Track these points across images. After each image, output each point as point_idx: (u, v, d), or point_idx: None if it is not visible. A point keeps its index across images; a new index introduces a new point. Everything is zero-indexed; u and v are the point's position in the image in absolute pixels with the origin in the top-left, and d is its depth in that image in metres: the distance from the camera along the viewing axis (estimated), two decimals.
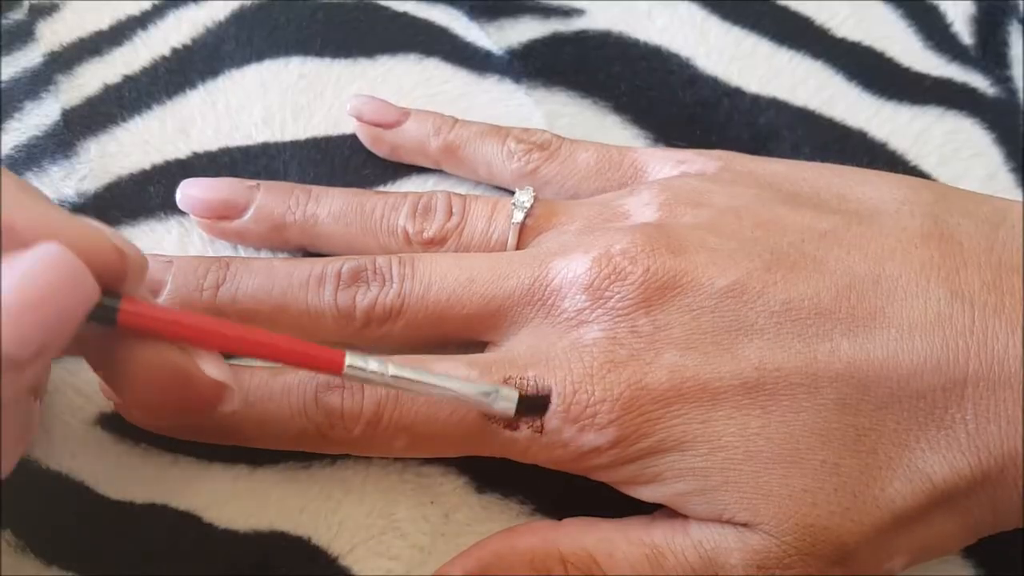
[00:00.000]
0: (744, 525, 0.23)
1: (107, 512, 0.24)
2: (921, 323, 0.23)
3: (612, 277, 0.24)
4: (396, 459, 0.25)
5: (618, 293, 0.24)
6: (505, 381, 0.23)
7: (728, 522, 0.23)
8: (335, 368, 0.21)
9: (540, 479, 0.25)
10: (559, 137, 0.29)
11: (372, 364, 0.22)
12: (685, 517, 0.24)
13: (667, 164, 0.28)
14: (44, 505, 0.24)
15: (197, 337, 0.21)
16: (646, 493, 0.24)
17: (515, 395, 0.23)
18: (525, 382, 0.23)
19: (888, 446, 0.23)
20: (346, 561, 0.24)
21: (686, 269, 0.24)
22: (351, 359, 0.22)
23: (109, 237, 0.19)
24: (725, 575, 0.23)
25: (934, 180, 0.31)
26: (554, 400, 0.23)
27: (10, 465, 0.20)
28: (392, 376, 0.22)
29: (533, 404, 0.23)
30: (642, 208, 0.26)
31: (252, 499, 0.25)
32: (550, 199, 0.28)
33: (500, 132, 0.29)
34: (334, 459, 0.25)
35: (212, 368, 0.21)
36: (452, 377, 0.23)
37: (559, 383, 0.23)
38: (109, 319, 0.19)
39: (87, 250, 0.18)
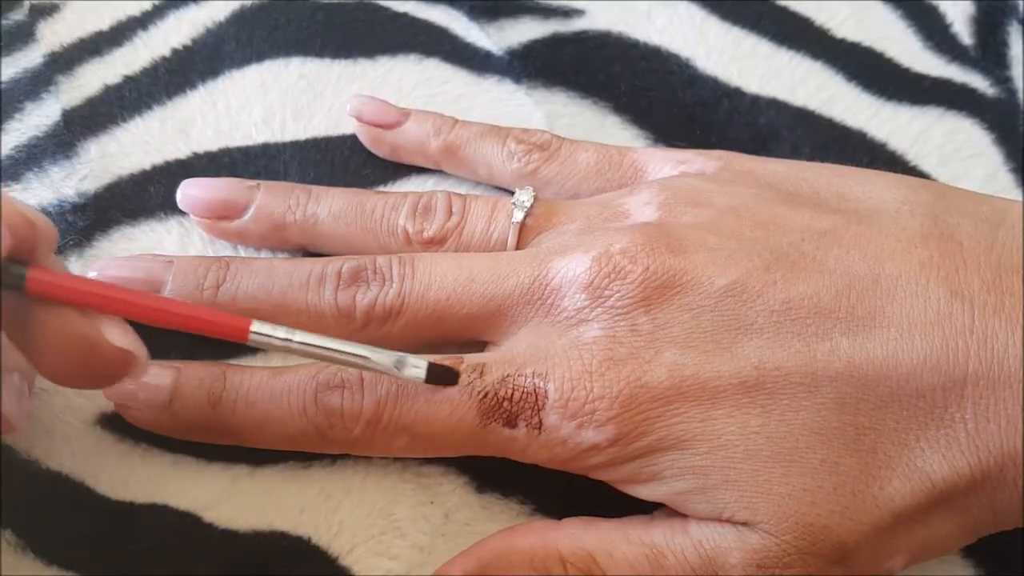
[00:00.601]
0: (743, 524, 0.23)
1: (107, 512, 0.24)
2: (921, 322, 0.23)
3: (612, 276, 0.24)
4: (396, 459, 0.25)
5: (618, 292, 0.24)
6: (504, 379, 0.24)
7: (728, 521, 0.23)
8: (240, 334, 0.22)
9: (540, 479, 0.25)
10: (559, 137, 0.29)
11: (279, 331, 0.22)
12: (685, 516, 0.24)
13: (667, 164, 0.28)
14: (44, 505, 0.24)
15: (102, 303, 0.21)
16: (645, 492, 0.24)
17: (424, 362, 0.23)
18: (523, 379, 0.23)
19: (888, 445, 0.23)
20: (346, 561, 0.24)
21: (686, 268, 0.24)
22: (257, 326, 0.22)
23: (19, 208, 0.20)
24: (725, 574, 0.23)
25: (934, 180, 0.31)
26: (552, 396, 0.23)
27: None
28: (299, 342, 0.22)
29: (442, 374, 0.23)
30: (642, 207, 0.26)
31: (252, 499, 0.25)
32: (550, 199, 0.28)
33: (500, 132, 0.29)
34: (334, 459, 0.25)
35: (117, 336, 0.21)
36: (360, 344, 0.23)
37: (557, 380, 0.23)
38: (18, 286, 0.20)
39: None
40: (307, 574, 0.24)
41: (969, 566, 0.26)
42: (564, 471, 0.24)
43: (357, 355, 0.22)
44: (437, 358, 0.24)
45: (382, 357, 0.23)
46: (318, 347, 0.22)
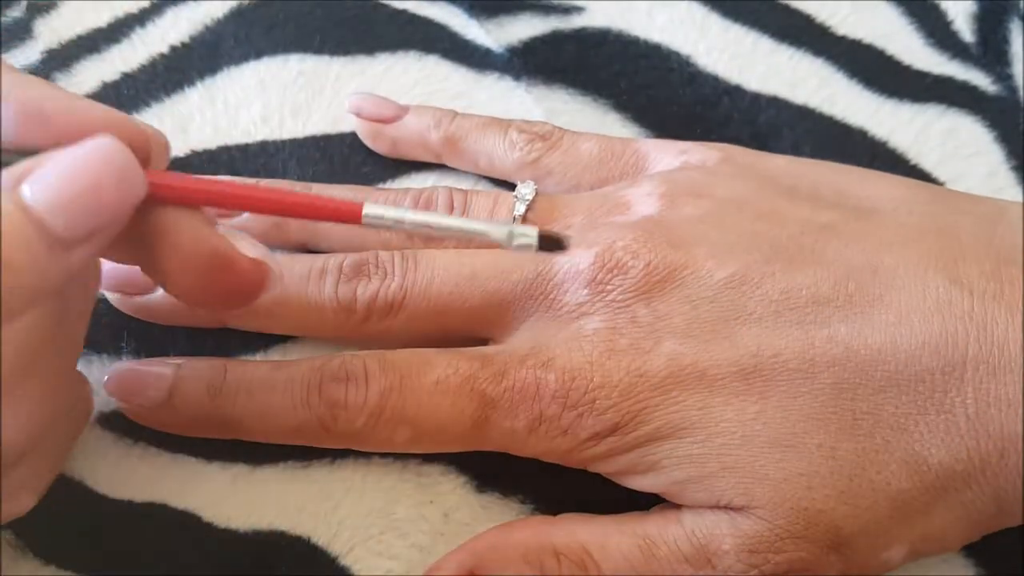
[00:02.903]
0: (739, 509, 0.23)
1: (106, 511, 0.24)
2: (920, 308, 0.23)
3: (614, 271, 0.24)
4: (396, 458, 0.25)
5: (619, 286, 0.24)
6: (505, 371, 0.24)
7: (725, 507, 0.23)
8: (354, 217, 0.21)
9: (540, 478, 0.25)
10: (560, 128, 0.29)
11: (391, 211, 0.22)
12: (679, 508, 0.24)
13: (669, 154, 0.28)
14: (43, 504, 0.24)
15: (222, 199, 0.21)
16: (644, 483, 0.24)
17: (534, 231, 0.22)
18: (525, 371, 0.24)
19: (886, 430, 0.23)
20: (346, 560, 0.24)
21: (686, 262, 0.24)
22: (369, 207, 0.21)
23: (134, 122, 0.20)
24: (717, 561, 0.23)
25: (935, 178, 0.31)
26: (553, 387, 0.23)
27: (74, 359, 0.21)
28: (411, 221, 0.22)
29: (553, 241, 0.23)
30: (643, 199, 0.26)
31: (252, 498, 0.25)
32: (551, 193, 0.28)
33: (502, 123, 0.29)
34: (334, 459, 0.25)
35: (250, 249, 0.21)
36: (469, 219, 0.23)
37: (558, 371, 0.23)
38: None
39: (118, 135, 0.19)
40: (307, 574, 0.24)
41: (970, 565, 0.26)
42: (564, 469, 0.24)
43: (466, 228, 0.22)
44: (448, 351, 0.24)
45: (491, 229, 0.22)
46: (431, 224, 0.22)
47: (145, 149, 0.20)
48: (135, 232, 0.20)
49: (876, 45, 0.34)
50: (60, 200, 0.18)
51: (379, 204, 0.21)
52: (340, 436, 0.24)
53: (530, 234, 0.22)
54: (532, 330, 0.25)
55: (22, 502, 0.21)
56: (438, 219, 0.22)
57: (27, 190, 0.18)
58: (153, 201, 0.20)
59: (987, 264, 0.23)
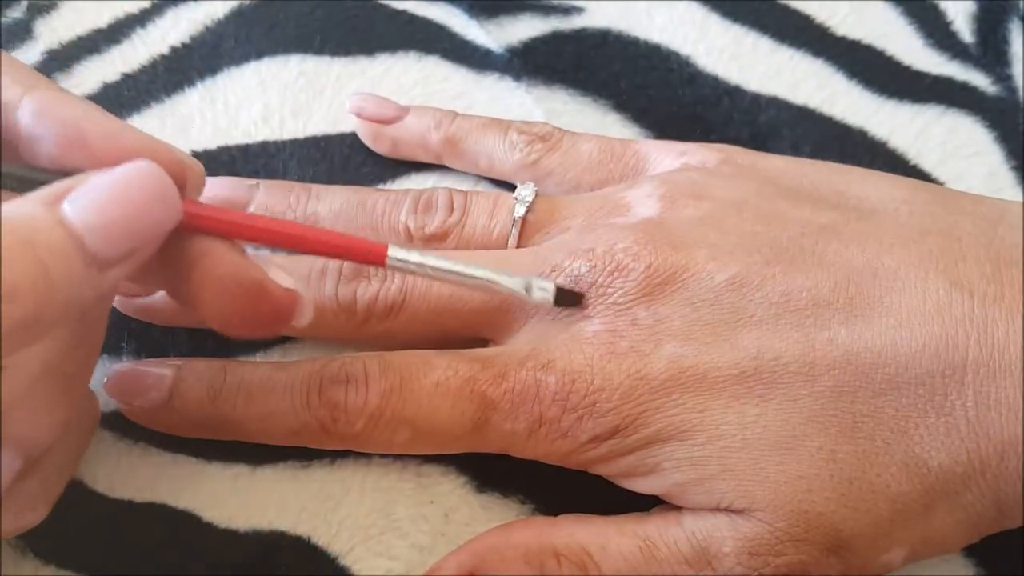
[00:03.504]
0: (740, 512, 0.23)
1: (106, 511, 0.24)
2: (920, 311, 0.23)
3: (615, 273, 0.24)
4: (396, 459, 0.25)
5: (620, 288, 0.24)
6: (505, 373, 0.24)
7: (725, 510, 0.23)
8: (379, 259, 0.22)
9: (540, 479, 0.25)
10: (560, 129, 0.29)
11: (414, 255, 0.22)
12: (679, 509, 0.24)
13: (669, 155, 0.28)
14: None
15: (255, 233, 0.21)
16: (644, 485, 0.24)
17: (550, 285, 0.23)
18: (525, 373, 0.24)
19: (886, 433, 0.23)
20: (346, 560, 0.24)
21: (687, 264, 0.24)
22: (392, 250, 0.22)
23: (171, 150, 0.21)
24: (718, 563, 0.23)
25: (934, 179, 0.31)
26: (553, 389, 0.23)
27: (88, 375, 0.22)
28: (432, 267, 0.22)
29: (569, 296, 0.24)
30: (643, 200, 0.26)
31: (252, 498, 0.25)
32: (551, 194, 0.28)
33: (502, 124, 0.29)
34: (334, 459, 0.25)
35: (283, 278, 0.21)
36: (491, 269, 0.23)
37: (558, 373, 0.23)
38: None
39: (156, 161, 0.19)
40: (307, 574, 0.24)
41: (970, 565, 0.26)
42: (564, 469, 0.24)
43: (487, 279, 0.23)
44: (448, 353, 0.24)
45: (511, 281, 0.23)
46: (450, 271, 0.23)
47: (181, 176, 0.20)
48: (165, 258, 0.20)
49: (876, 45, 0.34)
50: (100, 220, 0.18)
51: (401, 248, 0.22)
52: (340, 438, 0.24)
53: (547, 288, 0.23)
54: (532, 332, 0.25)
55: (37, 513, 0.22)
56: (457, 266, 0.23)
57: (68, 208, 0.18)
58: (186, 229, 0.20)
59: (988, 266, 0.23)
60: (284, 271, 0.21)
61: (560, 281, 0.24)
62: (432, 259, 0.22)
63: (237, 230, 0.21)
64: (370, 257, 0.22)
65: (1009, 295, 0.23)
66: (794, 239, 0.24)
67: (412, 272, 0.22)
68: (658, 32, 0.33)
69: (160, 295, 0.26)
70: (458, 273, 0.23)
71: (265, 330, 0.22)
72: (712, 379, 0.23)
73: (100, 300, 0.20)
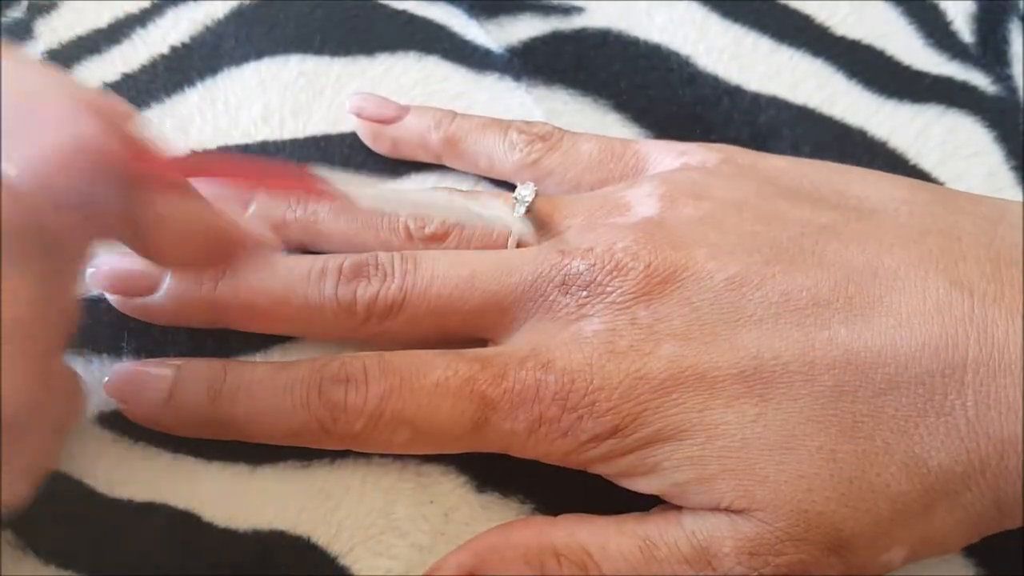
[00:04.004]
0: (740, 512, 0.23)
1: (106, 511, 0.24)
2: (920, 311, 0.23)
3: (615, 273, 0.24)
4: (396, 458, 0.25)
5: (619, 288, 0.24)
6: (504, 373, 0.24)
7: (725, 510, 0.23)
8: (308, 185, 0.23)
9: (540, 478, 0.25)
10: (560, 129, 0.29)
11: (339, 183, 0.23)
12: (679, 509, 0.24)
13: (669, 155, 0.28)
14: (43, 503, 0.24)
15: (192, 171, 0.22)
16: (644, 484, 0.24)
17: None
18: (524, 373, 0.24)
19: (886, 432, 0.23)
20: (346, 560, 0.24)
21: (687, 264, 0.24)
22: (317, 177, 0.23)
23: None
24: (718, 563, 0.23)
25: (934, 178, 0.31)
26: (553, 389, 0.23)
27: (58, 349, 0.21)
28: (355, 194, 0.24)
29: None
30: (643, 200, 0.26)
31: (252, 498, 0.25)
32: (551, 194, 0.28)
33: (502, 124, 0.29)
34: (334, 458, 0.25)
35: (253, 227, 0.23)
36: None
37: (558, 373, 0.23)
38: None
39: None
40: (307, 574, 0.24)
41: (970, 565, 0.26)
42: (564, 468, 0.24)
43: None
44: (448, 353, 0.24)
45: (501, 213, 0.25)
46: (372, 195, 0.24)
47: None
48: (131, 216, 0.21)
49: (876, 45, 0.34)
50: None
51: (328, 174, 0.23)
52: (340, 438, 0.24)
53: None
54: (532, 332, 0.25)
55: (16, 489, 0.21)
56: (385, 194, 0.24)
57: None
58: (140, 177, 0.21)
59: (987, 265, 0.23)
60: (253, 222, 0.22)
61: (560, 279, 0.24)
62: (353, 187, 0.23)
63: (178, 167, 0.22)
64: (300, 184, 0.23)
65: (1009, 295, 0.23)
66: (794, 239, 0.24)
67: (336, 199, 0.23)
68: (658, 32, 0.33)
69: (159, 295, 0.26)
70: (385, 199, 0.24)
71: (215, 263, 0.23)
72: (712, 378, 0.23)
73: (59, 249, 0.20)
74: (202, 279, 0.25)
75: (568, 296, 0.24)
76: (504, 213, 0.25)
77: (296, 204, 0.27)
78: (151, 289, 0.26)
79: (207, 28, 0.32)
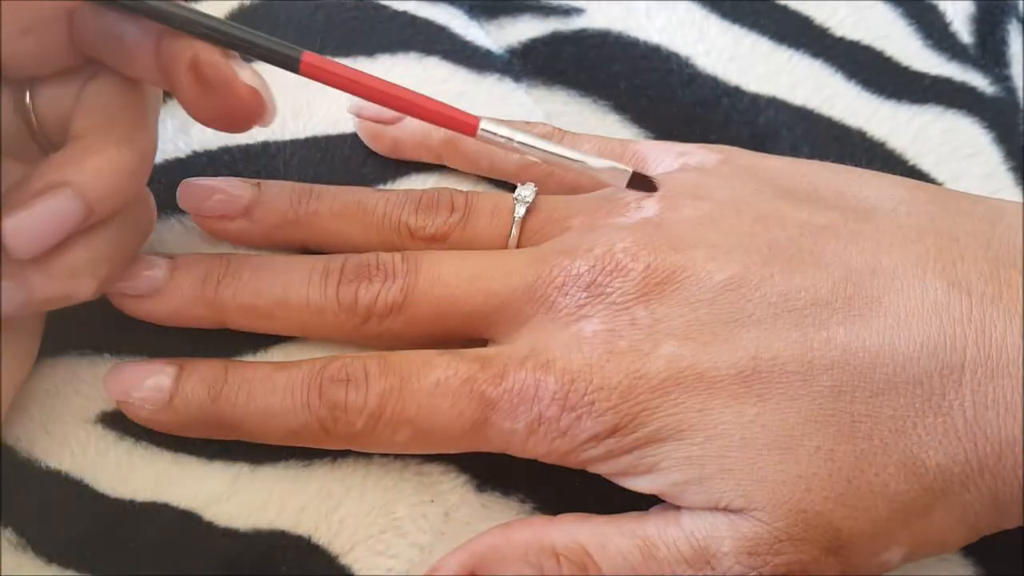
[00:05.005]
0: (738, 511, 0.23)
1: (107, 510, 0.24)
2: (918, 311, 0.23)
3: (614, 273, 0.24)
4: (396, 458, 0.25)
5: (619, 288, 0.24)
6: (505, 373, 0.24)
7: (724, 509, 0.23)
8: (470, 129, 0.24)
9: (540, 477, 0.25)
10: (560, 129, 0.29)
11: (503, 130, 0.25)
12: (678, 509, 0.24)
13: (668, 155, 0.28)
14: (44, 503, 0.24)
15: (357, 88, 0.24)
16: (643, 484, 0.24)
17: (629, 170, 0.26)
18: (524, 373, 0.24)
19: (884, 432, 0.23)
20: (346, 560, 0.24)
21: (685, 264, 0.24)
22: (485, 123, 0.24)
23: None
24: (717, 563, 0.23)
25: (933, 179, 0.31)
26: (552, 389, 0.23)
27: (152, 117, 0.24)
28: (520, 143, 0.25)
29: (643, 181, 0.26)
30: (643, 200, 0.26)
31: (253, 498, 0.25)
32: (552, 195, 0.28)
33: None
34: (335, 458, 0.25)
35: (249, 77, 0.23)
36: (577, 151, 0.26)
37: (558, 373, 0.23)
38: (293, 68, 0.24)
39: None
40: (307, 573, 0.24)
41: (969, 565, 0.26)
42: (564, 469, 0.24)
43: (574, 159, 0.25)
44: (448, 353, 0.24)
45: (597, 162, 0.26)
46: (538, 148, 0.25)
47: None
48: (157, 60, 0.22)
49: (874, 46, 0.34)
50: None
51: (492, 121, 0.24)
52: (340, 437, 0.24)
53: (626, 170, 0.26)
54: (532, 332, 0.25)
55: (81, 284, 0.22)
56: (548, 146, 0.25)
57: None
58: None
59: (986, 266, 0.24)
60: (251, 72, 0.23)
61: (560, 280, 0.24)
62: (521, 135, 0.25)
63: (344, 83, 0.24)
64: (463, 127, 0.24)
65: (1007, 295, 0.23)
66: (793, 239, 0.24)
67: (500, 147, 0.24)
68: (658, 33, 0.33)
69: (159, 295, 0.26)
70: (544, 151, 0.25)
71: (235, 126, 0.23)
72: (710, 378, 0.23)
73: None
74: (203, 279, 0.25)
75: (568, 296, 0.24)
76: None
77: (296, 203, 0.27)
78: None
79: None
